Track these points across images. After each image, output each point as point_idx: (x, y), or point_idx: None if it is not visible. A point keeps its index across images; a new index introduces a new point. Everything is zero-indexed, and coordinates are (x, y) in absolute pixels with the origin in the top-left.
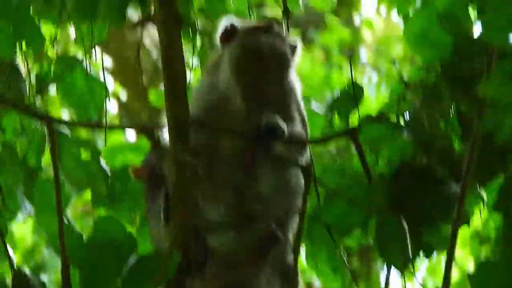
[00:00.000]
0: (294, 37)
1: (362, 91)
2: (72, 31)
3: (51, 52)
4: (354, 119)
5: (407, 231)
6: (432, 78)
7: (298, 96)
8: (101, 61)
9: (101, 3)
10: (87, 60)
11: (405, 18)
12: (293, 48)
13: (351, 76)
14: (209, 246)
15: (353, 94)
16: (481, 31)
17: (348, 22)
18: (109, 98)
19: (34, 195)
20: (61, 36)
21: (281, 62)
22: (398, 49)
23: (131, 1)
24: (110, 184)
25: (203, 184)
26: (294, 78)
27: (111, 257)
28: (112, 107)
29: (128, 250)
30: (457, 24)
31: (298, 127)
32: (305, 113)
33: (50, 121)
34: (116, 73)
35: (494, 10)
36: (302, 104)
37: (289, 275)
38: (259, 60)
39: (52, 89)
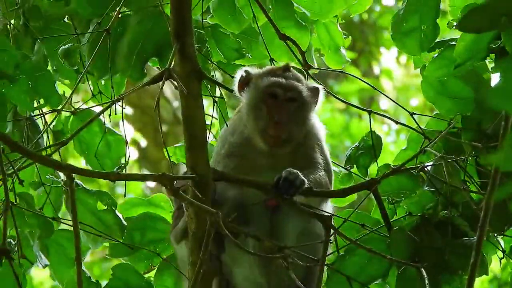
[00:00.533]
0: (315, 83)
1: (381, 141)
2: (89, 85)
3: (69, 107)
4: (373, 169)
5: (426, 282)
6: (452, 129)
7: (322, 139)
8: (121, 111)
9: (119, 59)
10: (104, 115)
11: (422, 68)
12: (314, 91)
13: (370, 126)
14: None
15: (372, 144)
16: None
17: (368, 73)
18: (127, 148)
19: (50, 246)
20: (80, 91)
21: (297, 101)
22: (417, 99)
23: (149, 57)
24: (128, 233)
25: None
26: (318, 122)
27: None
28: (131, 154)
29: None
30: (475, 75)
31: (321, 173)
32: (329, 157)
33: (70, 171)
34: (135, 121)
35: (506, 75)
36: (326, 148)
37: None
38: (272, 98)
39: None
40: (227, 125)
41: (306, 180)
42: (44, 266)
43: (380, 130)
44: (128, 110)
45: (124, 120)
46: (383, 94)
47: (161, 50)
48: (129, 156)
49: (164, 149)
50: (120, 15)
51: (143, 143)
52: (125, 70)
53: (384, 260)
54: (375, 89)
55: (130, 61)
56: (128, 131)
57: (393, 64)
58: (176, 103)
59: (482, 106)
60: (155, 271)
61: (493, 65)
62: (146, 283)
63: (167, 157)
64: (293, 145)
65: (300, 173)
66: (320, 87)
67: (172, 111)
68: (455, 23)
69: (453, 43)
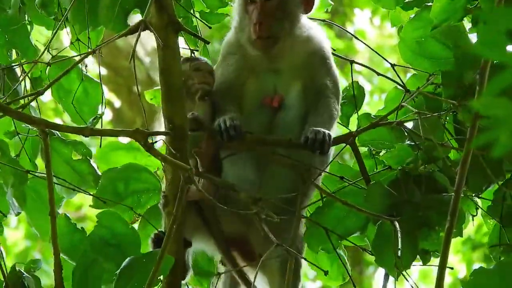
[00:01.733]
0: None
1: (363, 91)
2: (66, 36)
3: (46, 55)
4: (355, 119)
5: (399, 235)
6: (430, 87)
7: (328, 53)
8: (97, 66)
9: (102, 11)
10: (82, 65)
11: (399, 29)
12: None
13: (352, 76)
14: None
15: (353, 94)
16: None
17: (341, 32)
18: (104, 101)
19: (26, 194)
20: (55, 41)
21: None
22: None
23: (132, 9)
24: (111, 183)
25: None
26: (321, 34)
27: (114, 251)
28: (105, 115)
29: (131, 244)
30: (455, 30)
31: (331, 103)
32: (336, 73)
33: (44, 126)
34: (109, 82)
35: (487, 22)
36: (333, 63)
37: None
38: (251, 3)
39: (47, 93)
40: None
41: (331, 134)
42: (17, 214)
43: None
44: (102, 71)
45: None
46: (364, 43)
47: (143, 2)
48: (105, 106)
49: (138, 96)
50: None
51: (117, 104)
52: (107, 22)
53: (363, 214)
54: (357, 38)
55: (113, 13)
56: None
57: (367, 25)
58: (148, 60)
59: (461, 60)
60: (139, 222)
61: (470, 25)
62: (131, 230)
63: (143, 111)
64: (281, 41)
65: (323, 129)
66: None
67: (145, 72)
68: None
69: (430, 4)
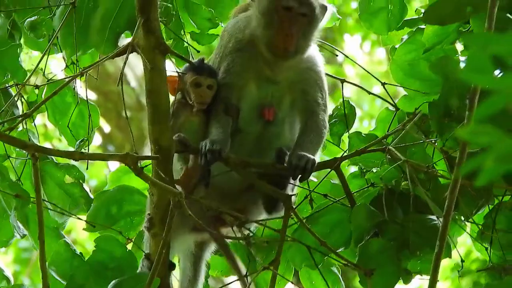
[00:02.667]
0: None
1: (354, 110)
2: (57, 59)
3: (43, 78)
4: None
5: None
6: (423, 108)
7: (322, 71)
8: (85, 82)
9: (93, 34)
10: (75, 87)
11: (391, 49)
12: (323, 9)
13: (342, 95)
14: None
15: (344, 113)
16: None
17: (331, 59)
18: (90, 120)
19: (29, 216)
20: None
21: (309, 16)
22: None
23: (122, 31)
24: (105, 206)
25: None
26: (317, 52)
27: (113, 274)
28: (95, 140)
29: (129, 267)
30: (443, 61)
31: (320, 118)
32: (326, 89)
33: (35, 150)
34: (99, 106)
35: (477, 48)
36: (325, 80)
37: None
38: (286, 10)
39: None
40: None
41: (315, 159)
42: (22, 236)
43: None
44: (92, 96)
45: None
46: (355, 62)
47: (134, 24)
48: (92, 129)
49: (126, 119)
50: None
51: (107, 128)
52: (98, 44)
53: (346, 229)
54: (348, 58)
55: (104, 35)
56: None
57: (356, 51)
58: (137, 85)
59: (450, 91)
60: (131, 244)
61: (462, 48)
62: (129, 253)
63: (130, 133)
64: (296, 58)
65: (307, 155)
66: (330, 6)
67: (135, 96)
68: (422, 10)
69: (423, 26)
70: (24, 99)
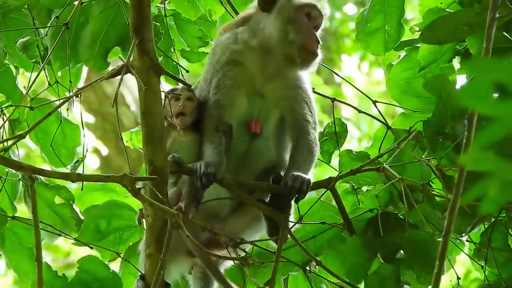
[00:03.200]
0: None
1: (346, 128)
2: (46, 75)
3: (26, 97)
4: (336, 155)
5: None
6: (418, 126)
7: (309, 88)
8: (80, 102)
9: (82, 49)
10: (64, 107)
11: (388, 67)
12: None
13: (333, 114)
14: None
15: (334, 131)
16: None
17: (329, 79)
18: (85, 144)
19: (5, 235)
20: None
21: (320, 29)
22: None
23: (112, 47)
24: (93, 221)
25: None
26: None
27: None
28: (93, 163)
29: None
30: (439, 80)
31: (311, 137)
32: (315, 105)
33: (31, 171)
34: (97, 128)
35: (476, 73)
36: (312, 97)
37: None
38: (307, 17)
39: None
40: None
41: (310, 180)
42: None
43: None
44: (89, 118)
45: (85, 128)
46: (349, 82)
47: (124, 40)
48: (87, 149)
49: (121, 141)
50: (81, 5)
51: (105, 151)
52: (88, 60)
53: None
54: (345, 80)
55: (93, 50)
56: (89, 138)
57: (354, 72)
58: (135, 106)
59: (444, 110)
60: (121, 259)
61: (459, 66)
62: (112, 274)
63: (125, 152)
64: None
65: (302, 175)
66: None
67: (133, 117)
68: (417, 28)
69: (419, 45)
70: (6, 117)
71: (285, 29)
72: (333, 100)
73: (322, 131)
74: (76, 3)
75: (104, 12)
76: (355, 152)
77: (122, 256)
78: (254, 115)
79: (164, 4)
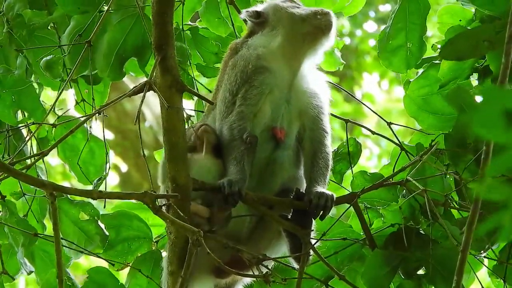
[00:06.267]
0: None
1: (360, 148)
2: (72, 96)
3: (53, 114)
4: (349, 176)
5: None
6: (439, 139)
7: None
8: (102, 121)
9: (99, 58)
10: (88, 124)
11: (406, 84)
12: None
13: (346, 135)
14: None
15: (348, 151)
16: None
17: (349, 97)
18: (108, 161)
19: (35, 253)
20: (62, 101)
21: None
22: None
23: (129, 57)
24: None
25: None
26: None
27: None
28: (113, 179)
29: None
30: (459, 94)
31: (328, 150)
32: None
33: (52, 189)
34: (116, 145)
35: (486, 102)
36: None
37: None
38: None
39: (56, 157)
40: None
41: (333, 195)
42: (29, 273)
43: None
44: (109, 135)
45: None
46: (364, 105)
47: (140, 50)
48: (109, 167)
49: (144, 157)
50: (100, 13)
51: (124, 168)
52: (103, 69)
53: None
54: (361, 102)
55: (109, 60)
56: (109, 155)
57: (375, 89)
58: (155, 124)
59: (464, 125)
60: (129, 268)
61: (477, 83)
62: (121, 286)
63: (147, 169)
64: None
65: (325, 192)
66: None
67: (153, 135)
68: (439, 46)
69: (437, 61)
70: (35, 136)
71: (292, 17)
72: (347, 121)
73: (336, 149)
74: (96, 19)
75: (123, 22)
76: (369, 173)
77: (131, 265)
78: (278, 123)
79: (182, 23)
